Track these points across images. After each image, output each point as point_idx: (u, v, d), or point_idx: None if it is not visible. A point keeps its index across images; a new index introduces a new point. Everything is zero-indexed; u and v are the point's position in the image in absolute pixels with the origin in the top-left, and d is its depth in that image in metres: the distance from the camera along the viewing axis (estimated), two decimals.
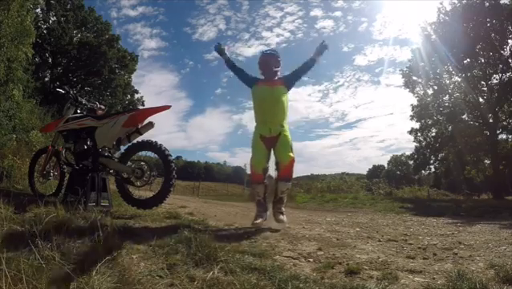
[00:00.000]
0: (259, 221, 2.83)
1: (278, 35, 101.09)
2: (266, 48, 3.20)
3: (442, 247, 2.28)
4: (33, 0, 5.92)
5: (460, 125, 14.83)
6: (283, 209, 2.92)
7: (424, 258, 1.92)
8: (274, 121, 2.94)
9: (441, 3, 14.80)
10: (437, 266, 1.75)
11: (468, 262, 1.85)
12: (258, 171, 2.89)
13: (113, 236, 1.71)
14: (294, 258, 1.86)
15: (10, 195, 2.32)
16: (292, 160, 2.86)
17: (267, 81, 3.04)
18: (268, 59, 3.09)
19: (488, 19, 13.60)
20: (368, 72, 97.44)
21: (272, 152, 2.96)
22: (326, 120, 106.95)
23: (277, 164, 2.93)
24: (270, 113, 2.96)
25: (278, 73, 3.11)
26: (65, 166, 3.32)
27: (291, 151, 2.89)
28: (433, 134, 16.55)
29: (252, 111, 3.12)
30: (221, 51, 3.24)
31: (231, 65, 3.24)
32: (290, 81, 3.10)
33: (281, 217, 2.84)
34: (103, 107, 3.43)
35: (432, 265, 1.77)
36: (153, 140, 2.98)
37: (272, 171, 3.03)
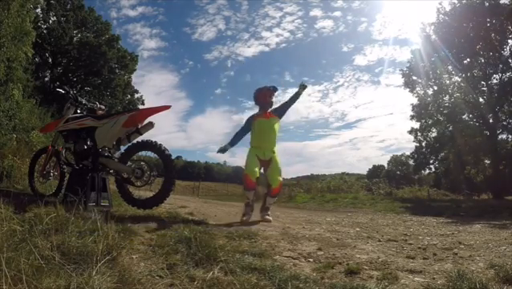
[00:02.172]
0: (246, 217, 3.38)
1: (277, 35, 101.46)
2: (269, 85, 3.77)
3: (442, 247, 2.28)
4: (33, 0, 5.90)
5: (460, 125, 14.82)
6: (269, 212, 3.52)
7: (424, 258, 1.92)
8: (268, 147, 3.54)
9: (441, 3, 14.80)
10: (437, 266, 1.75)
11: (468, 262, 1.85)
12: (253, 179, 3.41)
13: (113, 236, 1.70)
14: (294, 258, 1.86)
15: (10, 195, 2.32)
16: (280, 184, 3.58)
17: (263, 114, 3.63)
18: (266, 93, 3.65)
19: (488, 19, 13.57)
20: (368, 72, 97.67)
21: (263, 171, 3.55)
22: (326, 120, 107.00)
23: (269, 186, 3.53)
24: (266, 140, 3.57)
25: (273, 105, 3.68)
26: (65, 166, 3.32)
27: (280, 175, 3.56)
28: (434, 134, 16.55)
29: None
30: (223, 150, 3.69)
31: (235, 140, 3.70)
32: (281, 112, 3.70)
33: (267, 217, 3.41)
34: (103, 107, 3.43)
35: (432, 265, 1.77)
36: (153, 140, 2.98)
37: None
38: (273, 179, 3.50)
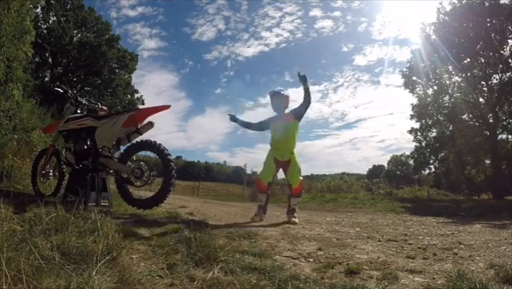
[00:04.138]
0: (257, 219, 3.40)
1: (277, 35, 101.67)
2: (278, 88, 3.82)
3: (442, 247, 2.28)
4: None
5: (460, 125, 14.82)
6: (295, 214, 3.56)
7: (424, 258, 1.92)
8: (286, 149, 3.59)
9: (441, 3, 14.80)
10: (437, 266, 1.75)
11: (468, 262, 1.84)
12: (265, 183, 3.59)
13: (113, 236, 1.70)
14: (294, 258, 1.86)
15: (10, 195, 2.31)
16: (300, 183, 3.62)
17: (281, 118, 3.67)
18: (282, 100, 3.69)
19: (488, 19, 13.57)
20: (368, 72, 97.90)
21: (283, 172, 3.64)
22: (325, 120, 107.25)
23: (290, 186, 3.62)
24: (283, 143, 3.60)
25: (286, 110, 3.71)
26: (65, 166, 3.32)
27: (300, 175, 3.64)
28: (434, 134, 16.55)
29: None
30: (234, 120, 3.83)
31: (246, 125, 3.87)
32: (300, 113, 3.67)
33: (293, 219, 3.43)
34: (105, 108, 3.42)
35: (432, 265, 1.77)
36: (153, 140, 2.98)
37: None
38: (293, 180, 3.58)
